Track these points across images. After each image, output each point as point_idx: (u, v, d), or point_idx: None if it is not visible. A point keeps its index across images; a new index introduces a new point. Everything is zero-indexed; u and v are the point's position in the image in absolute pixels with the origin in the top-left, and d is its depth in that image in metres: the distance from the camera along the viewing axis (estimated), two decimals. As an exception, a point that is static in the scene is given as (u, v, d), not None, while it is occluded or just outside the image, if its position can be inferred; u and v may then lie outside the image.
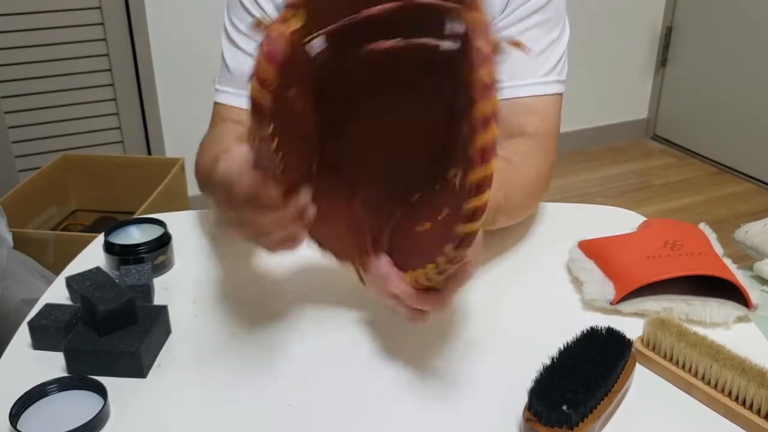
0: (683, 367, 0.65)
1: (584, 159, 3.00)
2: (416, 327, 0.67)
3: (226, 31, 1.00)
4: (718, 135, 3.01)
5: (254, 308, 0.77)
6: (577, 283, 0.80)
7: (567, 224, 0.94)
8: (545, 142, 0.96)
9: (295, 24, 0.53)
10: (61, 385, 0.63)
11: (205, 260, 0.86)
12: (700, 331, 0.67)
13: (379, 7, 0.57)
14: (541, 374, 0.60)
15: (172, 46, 2.40)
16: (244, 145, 0.58)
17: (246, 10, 0.97)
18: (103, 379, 0.63)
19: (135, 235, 0.86)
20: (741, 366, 0.61)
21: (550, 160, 0.97)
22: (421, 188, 0.65)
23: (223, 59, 1.01)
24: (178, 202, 2.02)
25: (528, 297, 0.79)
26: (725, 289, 0.73)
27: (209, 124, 1.01)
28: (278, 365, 0.68)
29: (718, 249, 0.81)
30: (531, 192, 0.91)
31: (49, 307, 0.72)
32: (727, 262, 0.78)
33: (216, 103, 1.00)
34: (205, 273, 0.84)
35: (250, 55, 0.95)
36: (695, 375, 0.64)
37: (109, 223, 1.57)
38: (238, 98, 0.96)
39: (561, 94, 0.99)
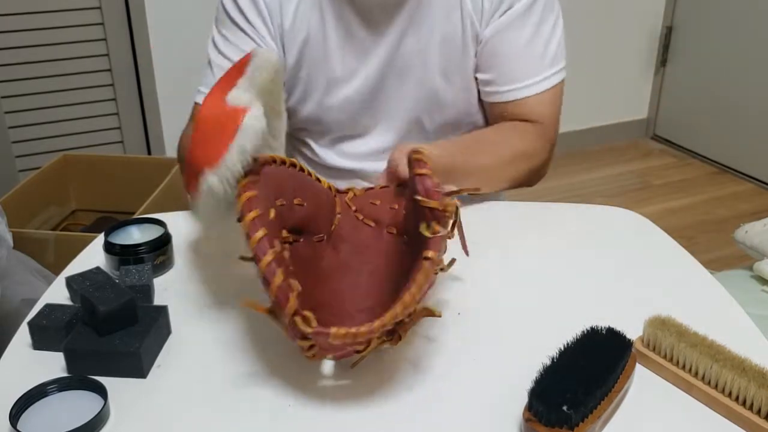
0: (683, 367, 0.65)
1: (584, 159, 3.00)
2: (416, 327, 0.67)
3: (213, 41, 1.06)
4: (718, 135, 3.01)
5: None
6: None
7: (567, 224, 0.94)
8: (546, 128, 1.01)
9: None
10: (61, 385, 0.63)
11: (205, 260, 0.86)
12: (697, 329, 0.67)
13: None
14: (541, 374, 0.60)
15: (172, 46, 2.40)
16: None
17: (232, 20, 1.03)
18: (103, 379, 0.63)
19: (135, 235, 0.86)
20: (741, 366, 0.62)
21: (548, 140, 1.01)
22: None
23: (209, 64, 1.07)
24: (178, 202, 2.02)
25: (528, 297, 0.79)
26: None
27: (189, 119, 1.08)
28: (279, 365, 0.68)
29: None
30: (510, 161, 0.97)
31: (49, 307, 0.72)
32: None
33: (196, 103, 1.06)
34: (205, 273, 0.84)
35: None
36: (695, 375, 0.64)
37: (109, 223, 1.58)
38: None
39: (563, 80, 1.03)
